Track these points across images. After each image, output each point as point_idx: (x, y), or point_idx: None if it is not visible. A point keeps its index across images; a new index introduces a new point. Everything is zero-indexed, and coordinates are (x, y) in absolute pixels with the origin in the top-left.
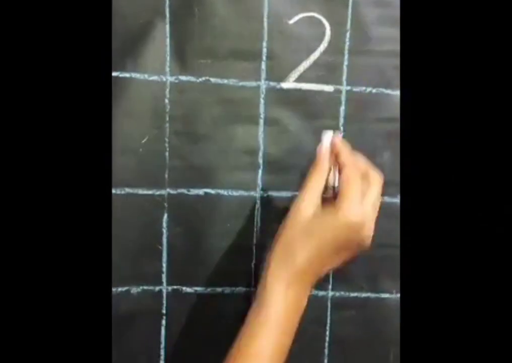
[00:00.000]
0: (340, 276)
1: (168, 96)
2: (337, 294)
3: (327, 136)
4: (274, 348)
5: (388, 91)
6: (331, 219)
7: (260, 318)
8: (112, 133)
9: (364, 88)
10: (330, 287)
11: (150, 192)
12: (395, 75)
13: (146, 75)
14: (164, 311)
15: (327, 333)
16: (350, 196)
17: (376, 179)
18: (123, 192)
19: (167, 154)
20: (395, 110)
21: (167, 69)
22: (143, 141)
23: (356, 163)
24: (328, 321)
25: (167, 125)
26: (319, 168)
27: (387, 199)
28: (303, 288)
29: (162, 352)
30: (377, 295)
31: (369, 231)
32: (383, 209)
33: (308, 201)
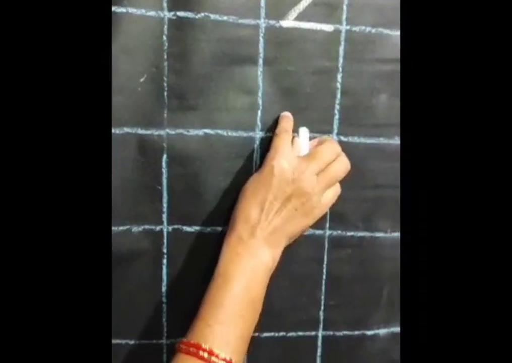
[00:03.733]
0: (337, 215)
1: (166, 32)
2: (334, 233)
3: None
4: (227, 296)
5: (387, 31)
6: (259, 172)
7: (215, 272)
8: (111, 71)
9: (363, 28)
10: (327, 226)
11: (149, 132)
12: (395, 15)
13: (143, 10)
14: (165, 250)
15: (324, 270)
16: (273, 147)
17: (326, 143)
18: (121, 131)
19: (165, 93)
20: (394, 51)
21: (165, 4)
22: (141, 79)
23: (289, 130)
24: (325, 259)
25: (165, 63)
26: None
27: (383, 140)
28: (254, 241)
29: (164, 289)
30: (372, 234)
31: (297, 176)
32: (379, 151)
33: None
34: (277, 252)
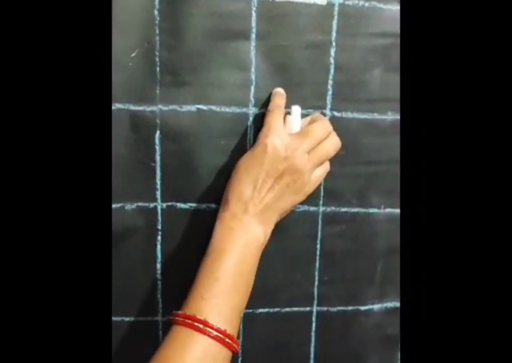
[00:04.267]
0: (331, 192)
1: (157, 6)
2: (328, 209)
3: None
4: (222, 270)
5: (381, 5)
6: (252, 149)
7: (208, 247)
8: (111, 49)
9: (356, 1)
10: (321, 202)
11: (141, 108)
12: None
13: None
14: (159, 227)
15: (318, 246)
16: (267, 124)
17: (319, 121)
18: (113, 107)
19: (157, 68)
20: (387, 25)
21: None
22: (133, 55)
23: (282, 106)
24: (319, 235)
25: (157, 38)
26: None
27: (376, 115)
28: (247, 217)
29: (158, 266)
30: (365, 210)
31: (290, 154)
32: (373, 127)
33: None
34: (269, 228)
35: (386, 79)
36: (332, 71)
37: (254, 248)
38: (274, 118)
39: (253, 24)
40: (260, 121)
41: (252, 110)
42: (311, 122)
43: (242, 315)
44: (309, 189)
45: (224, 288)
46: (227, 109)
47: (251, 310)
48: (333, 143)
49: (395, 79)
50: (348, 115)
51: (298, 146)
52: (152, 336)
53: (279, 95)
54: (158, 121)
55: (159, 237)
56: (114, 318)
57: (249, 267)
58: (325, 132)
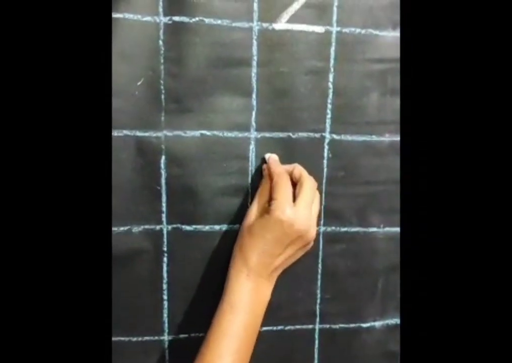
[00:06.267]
0: (331, 212)
1: (162, 37)
2: (329, 229)
3: (267, 157)
4: (239, 328)
5: (377, 32)
6: (267, 220)
7: (225, 304)
8: (112, 75)
9: (353, 29)
10: (322, 222)
11: (147, 134)
12: (383, 15)
13: (139, 16)
14: (165, 249)
15: (320, 265)
16: (279, 198)
17: (308, 183)
18: (121, 134)
19: (162, 96)
20: (383, 51)
21: (160, 9)
22: (138, 83)
23: (284, 172)
24: (321, 254)
25: (162, 67)
26: (262, 182)
27: (374, 138)
28: (261, 279)
29: (165, 287)
30: (365, 229)
31: (304, 226)
32: (371, 148)
33: (253, 209)
34: (273, 284)
35: (383, 103)
36: (331, 96)
37: (265, 306)
38: (283, 191)
39: (254, 52)
40: (262, 145)
41: (253, 134)
42: (274, 186)
43: None
44: (314, 236)
45: (241, 345)
46: (229, 134)
47: None
48: (314, 186)
49: (392, 102)
50: (347, 137)
51: (308, 216)
52: (159, 355)
53: (277, 163)
54: (163, 146)
55: (165, 258)
56: (121, 338)
57: (260, 323)
58: (315, 187)
